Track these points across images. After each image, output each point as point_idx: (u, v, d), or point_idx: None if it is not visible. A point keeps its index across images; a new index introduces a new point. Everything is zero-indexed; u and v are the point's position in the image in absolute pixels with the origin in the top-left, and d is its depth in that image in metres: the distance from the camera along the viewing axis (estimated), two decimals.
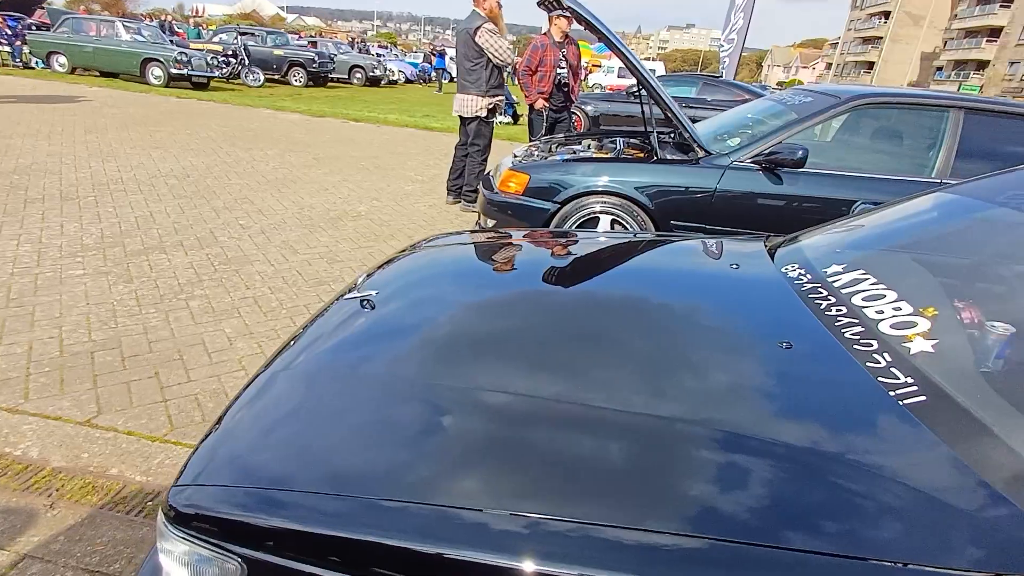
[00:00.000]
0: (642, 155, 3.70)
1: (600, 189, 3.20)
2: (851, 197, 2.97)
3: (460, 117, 4.77)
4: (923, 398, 1.00)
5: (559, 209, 3.29)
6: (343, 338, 1.22)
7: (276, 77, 15.50)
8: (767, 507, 0.79)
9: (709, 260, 1.75)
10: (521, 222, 3.42)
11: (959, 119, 2.98)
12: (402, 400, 1.01)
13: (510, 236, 1.93)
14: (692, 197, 3.14)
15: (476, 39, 4.38)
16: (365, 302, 1.30)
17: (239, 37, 15.31)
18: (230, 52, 14.16)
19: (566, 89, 5.30)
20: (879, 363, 1.10)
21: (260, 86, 14.14)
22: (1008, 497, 0.80)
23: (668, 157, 3.26)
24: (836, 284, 1.42)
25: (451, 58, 18.83)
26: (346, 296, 1.37)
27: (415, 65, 25.14)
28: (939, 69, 50.14)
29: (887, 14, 54.80)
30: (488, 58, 4.43)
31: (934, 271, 1.55)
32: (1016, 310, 1.31)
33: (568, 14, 3.80)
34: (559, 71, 5.20)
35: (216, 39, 16.86)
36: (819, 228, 1.90)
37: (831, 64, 67.79)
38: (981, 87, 41.09)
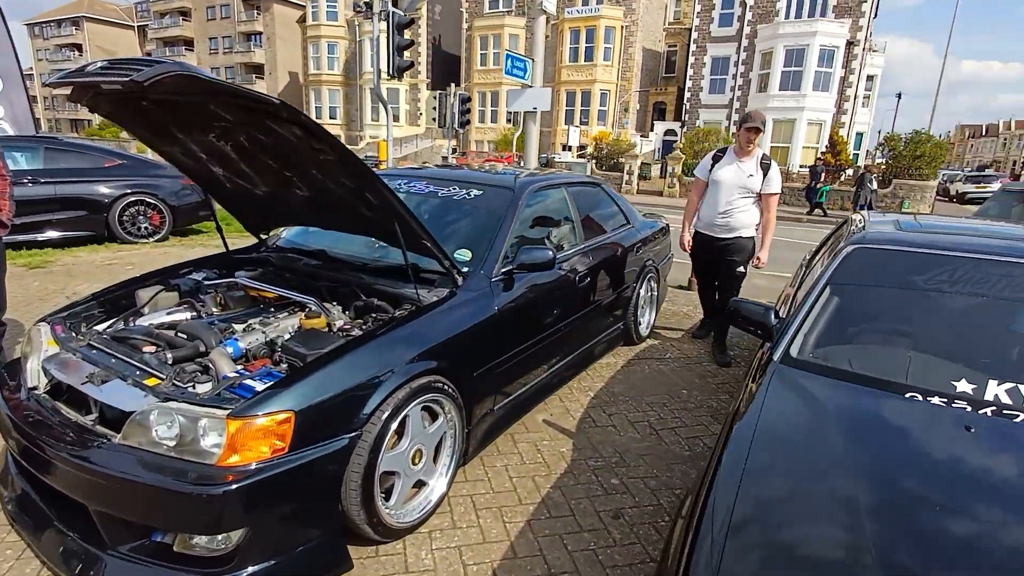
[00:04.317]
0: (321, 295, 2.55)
1: (408, 379, 2.05)
2: (583, 269, 3.21)
3: None
4: None
5: (357, 437, 1.90)
6: None
7: None
8: None
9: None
10: (296, 503, 1.78)
11: (571, 194, 3.58)
12: None
13: None
14: (483, 332, 2.48)
15: None
16: None
17: None
18: None
19: None
20: None
21: None
22: None
23: (432, 299, 2.39)
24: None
25: None
26: None
27: None
28: None
29: (79, 47, 52.19)
30: None
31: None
32: None
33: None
34: None
35: None
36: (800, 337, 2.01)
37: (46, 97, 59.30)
38: None
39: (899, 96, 34.61)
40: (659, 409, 3.42)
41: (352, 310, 2.50)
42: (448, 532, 2.24)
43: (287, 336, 2.22)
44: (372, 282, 2.55)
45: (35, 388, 2.08)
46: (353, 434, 1.89)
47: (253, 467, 1.66)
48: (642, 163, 25.93)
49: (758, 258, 3.96)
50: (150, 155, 7.96)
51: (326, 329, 2.26)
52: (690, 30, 30.39)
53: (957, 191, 28.28)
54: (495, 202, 2.99)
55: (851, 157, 24.95)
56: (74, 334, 2.27)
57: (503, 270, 2.67)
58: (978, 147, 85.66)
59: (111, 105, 2.16)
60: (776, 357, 1.96)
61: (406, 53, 9.45)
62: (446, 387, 2.25)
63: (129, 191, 6.76)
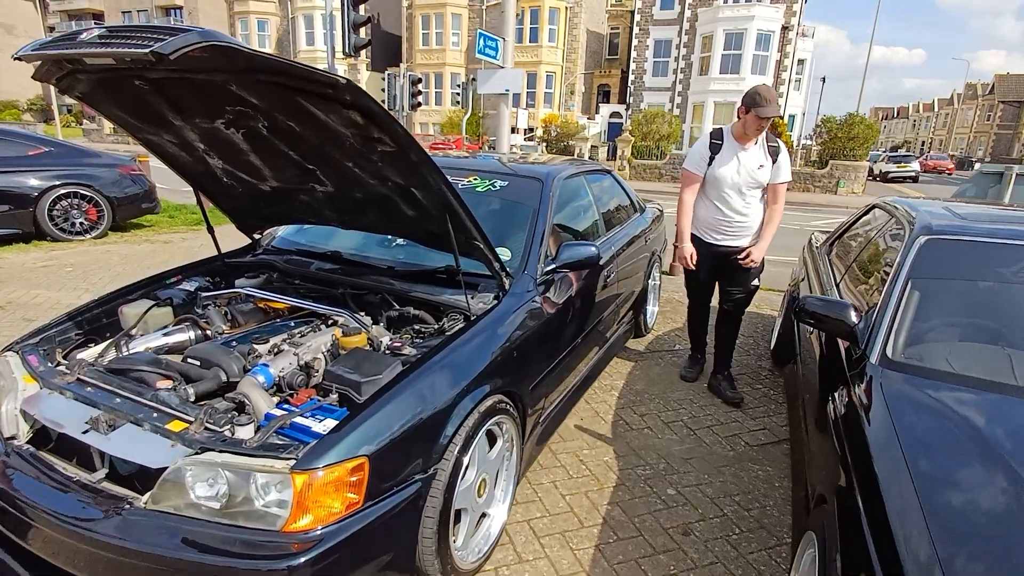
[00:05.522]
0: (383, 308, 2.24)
1: (476, 403, 1.79)
2: (610, 261, 3.02)
3: None
4: None
5: (432, 477, 1.63)
6: None
7: None
8: None
9: None
10: (375, 562, 1.50)
11: (589, 183, 3.35)
12: None
13: None
14: (536, 340, 2.23)
15: None
16: None
17: None
18: None
19: None
20: None
21: None
22: None
23: (482, 307, 2.11)
24: None
25: None
26: None
27: None
28: None
29: None
30: None
31: None
32: None
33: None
34: None
35: None
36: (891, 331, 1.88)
37: None
38: None
39: (823, 80, 36.42)
40: (688, 406, 3.29)
41: (384, 321, 2.19)
42: (516, 568, 2.01)
43: (320, 358, 1.89)
44: (405, 289, 2.24)
45: (12, 438, 1.68)
46: (427, 475, 1.62)
47: (322, 530, 1.37)
48: (591, 145, 25.97)
49: (749, 253, 3.11)
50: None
51: (369, 347, 1.95)
52: (632, 12, 30.55)
53: (880, 171, 30.00)
54: (526, 194, 2.72)
55: (789, 138, 25.94)
56: (52, 365, 1.86)
57: (547, 270, 2.42)
58: (890, 128, 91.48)
59: (91, 84, 1.74)
60: (874, 359, 1.83)
61: (362, 30, 8.88)
62: (508, 407, 2.00)
63: (59, 182, 5.97)
